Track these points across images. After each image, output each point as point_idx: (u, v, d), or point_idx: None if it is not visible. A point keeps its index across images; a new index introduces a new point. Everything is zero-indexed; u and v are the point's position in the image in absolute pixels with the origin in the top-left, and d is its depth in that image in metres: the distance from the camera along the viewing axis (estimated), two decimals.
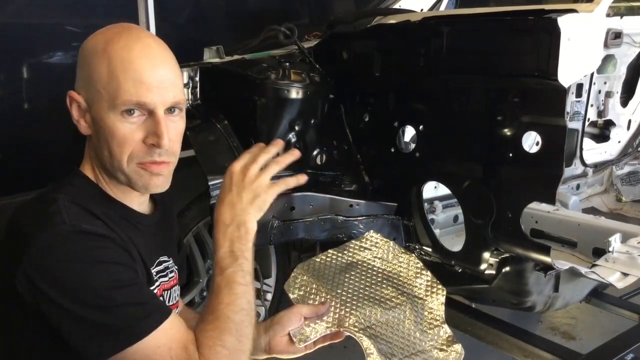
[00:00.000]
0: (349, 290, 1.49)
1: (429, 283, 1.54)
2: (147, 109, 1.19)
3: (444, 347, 1.44)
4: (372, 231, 1.69)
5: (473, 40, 1.93)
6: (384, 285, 1.53)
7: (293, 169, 2.23)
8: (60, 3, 2.65)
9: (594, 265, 1.83)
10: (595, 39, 1.77)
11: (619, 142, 2.89)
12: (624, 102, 2.84)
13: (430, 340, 1.44)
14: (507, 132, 1.86)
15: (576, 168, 2.65)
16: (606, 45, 2.14)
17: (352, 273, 1.55)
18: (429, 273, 1.57)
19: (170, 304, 1.39)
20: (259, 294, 2.70)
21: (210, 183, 2.01)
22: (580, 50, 1.70)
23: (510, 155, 1.85)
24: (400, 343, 1.42)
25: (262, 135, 2.13)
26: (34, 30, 2.54)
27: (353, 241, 1.66)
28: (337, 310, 1.44)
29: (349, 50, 2.29)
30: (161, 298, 1.34)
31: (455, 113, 2.02)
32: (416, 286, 1.54)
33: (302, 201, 2.14)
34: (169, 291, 1.39)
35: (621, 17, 2.26)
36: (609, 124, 2.83)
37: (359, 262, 1.59)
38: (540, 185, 1.80)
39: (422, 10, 2.77)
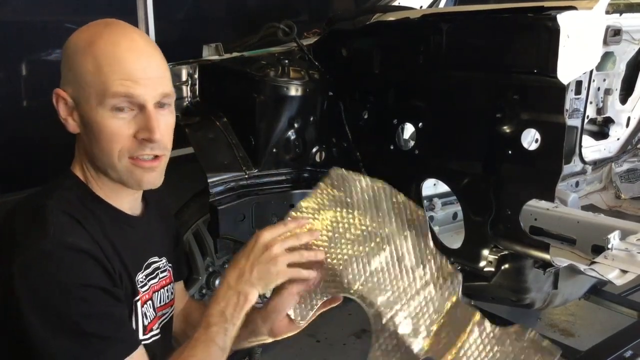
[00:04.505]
0: (333, 256, 1.43)
1: (409, 216, 1.40)
2: (136, 104, 1.18)
3: (441, 278, 1.42)
4: (334, 168, 1.48)
5: (472, 37, 1.93)
6: (363, 233, 1.42)
7: (293, 167, 2.26)
8: (59, 1, 2.65)
9: (593, 263, 1.83)
10: (595, 36, 1.76)
11: (618, 139, 2.89)
12: (623, 99, 2.84)
13: (426, 275, 1.41)
14: (506, 129, 1.86)
15: (575, 165, 2.65)
16: (605, 43, 2.13)
17: (327, 234, 1.40)
18: (401, 198, 1.41)
19: (161, 304, 1.39)
20: None
21: (209, 180, 2.01)
22: (579, 48, 1.69)
23: (510, 152, 1.85)
24: (396, 287, 1.39)
25: (261, 133, 2.13)
26: (32, 28, 2.54)
27: (320, 185, 1.47)
28: (327, 277, 1.41)
29: (348, 48, 2.28)
30: (150, 302, 1.33)
31: (454, 110, 2.02)
32: (395, 222, 1.41)
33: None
34: (158, 292, 1.38)
35: (620, 14, 2.26)
36: (608, 121, 2.84)
37: (330, 218, 1.42)
38: (540, 182, 1.80)
39: (421, 7, 2.77)
